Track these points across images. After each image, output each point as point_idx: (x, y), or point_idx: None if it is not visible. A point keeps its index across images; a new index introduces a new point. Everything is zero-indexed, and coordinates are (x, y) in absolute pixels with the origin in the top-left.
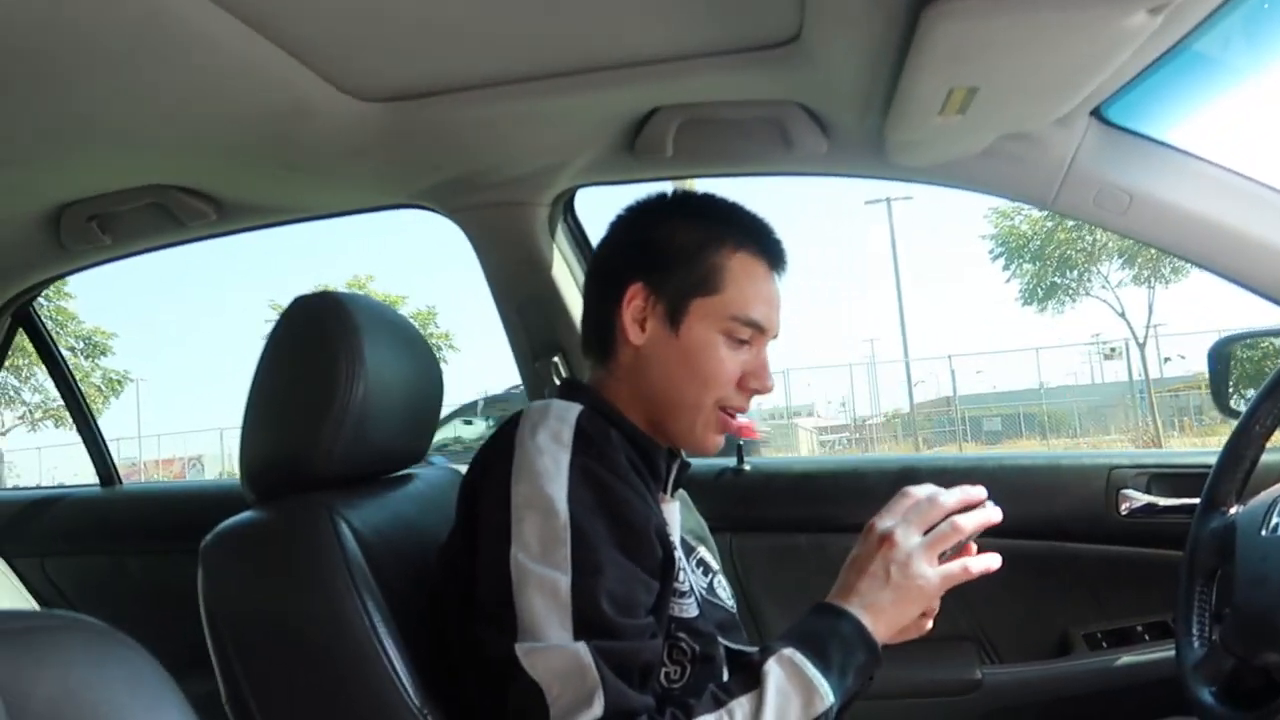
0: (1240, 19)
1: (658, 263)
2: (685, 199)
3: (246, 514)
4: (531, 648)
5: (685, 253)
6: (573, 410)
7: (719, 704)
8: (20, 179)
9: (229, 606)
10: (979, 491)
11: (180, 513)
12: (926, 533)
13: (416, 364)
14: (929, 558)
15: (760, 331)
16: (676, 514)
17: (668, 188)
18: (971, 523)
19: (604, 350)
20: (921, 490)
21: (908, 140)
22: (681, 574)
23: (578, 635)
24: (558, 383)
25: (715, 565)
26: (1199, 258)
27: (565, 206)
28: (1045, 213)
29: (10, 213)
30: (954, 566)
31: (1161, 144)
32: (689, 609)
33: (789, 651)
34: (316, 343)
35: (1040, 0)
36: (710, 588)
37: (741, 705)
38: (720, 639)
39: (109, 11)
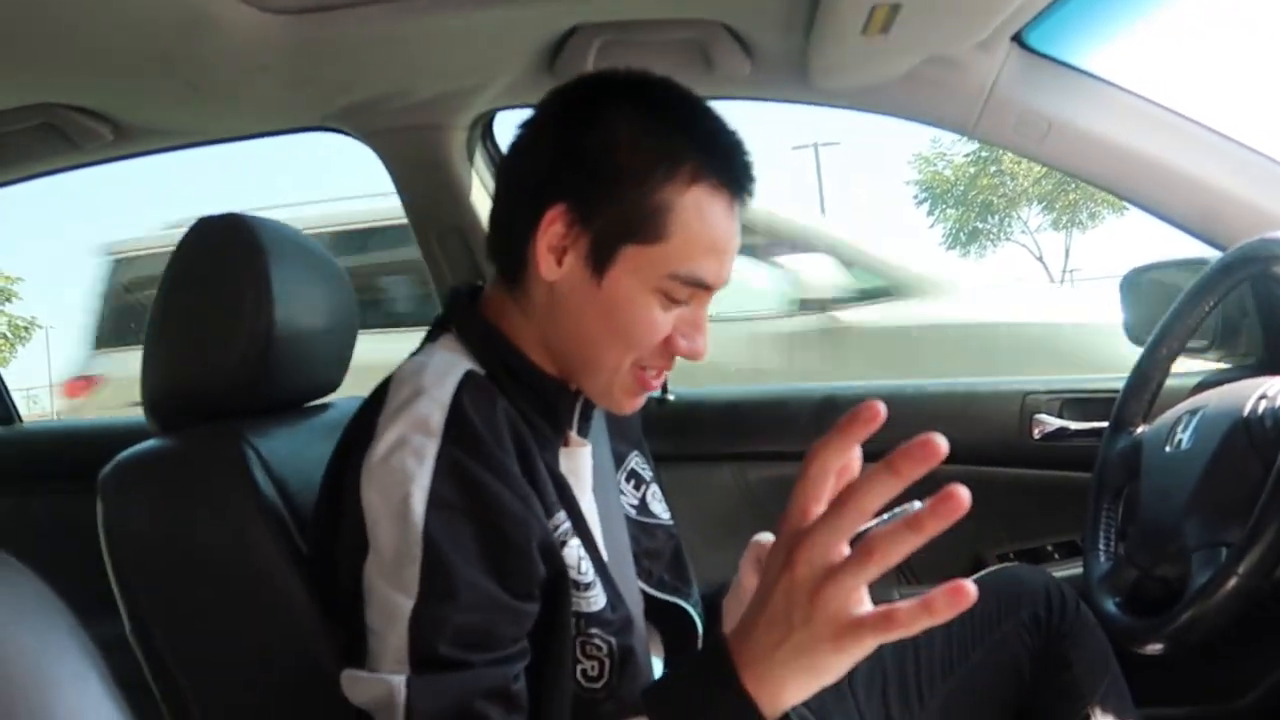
0: None
1: (590, 183)
2: (637, 89)
3: (149, 442)
4: (354, 677)
5: (627, 176)
6: (452, 377)
7: None
8: None
9: (131, 536)
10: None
11: (84, 449)
12: (856, 540)
13: (329, 290)
14: (847, 591)
15: (704, 289)
16: (588, 459)
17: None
18: (926, 527)
19: (512, 276)
20: (828, 458)
21: (831, 62)
22: (583, 564)
23: (415, 670)
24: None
25: (648, 474)
26: (1114, 186)
27: (484, 130)
28: (968, 159)
29: None
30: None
31: (1080, 71)
32: (595, 600)
33: None
34: (222, 266)
35: None
36: (643, 503)
37: None
38: (650, 591)
39: None
